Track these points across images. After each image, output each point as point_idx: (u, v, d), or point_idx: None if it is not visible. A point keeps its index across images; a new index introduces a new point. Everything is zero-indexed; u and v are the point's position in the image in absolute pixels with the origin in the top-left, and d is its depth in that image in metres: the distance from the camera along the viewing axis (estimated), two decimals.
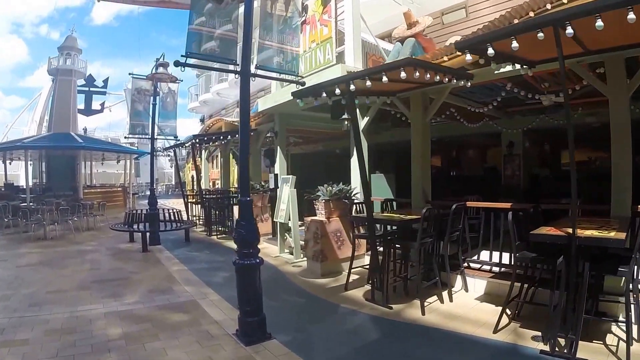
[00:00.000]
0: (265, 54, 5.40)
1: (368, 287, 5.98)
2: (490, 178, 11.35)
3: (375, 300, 5.52)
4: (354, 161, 8.20)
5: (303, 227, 8.18)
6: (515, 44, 3.53)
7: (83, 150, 18.79)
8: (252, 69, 4.98)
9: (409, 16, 7.93)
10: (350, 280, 6.35)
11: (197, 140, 11.00)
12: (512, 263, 4.90)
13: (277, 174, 10.17)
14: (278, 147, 10.51)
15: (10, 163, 22.83)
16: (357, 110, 8.12)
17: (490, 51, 3.79)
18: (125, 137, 11.85)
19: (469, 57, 4.18)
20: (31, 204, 13.83)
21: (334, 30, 8.10)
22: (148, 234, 9.49)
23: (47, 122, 23.78)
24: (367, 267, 6.42)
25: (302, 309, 5.46)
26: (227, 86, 19.34)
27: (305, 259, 7.98)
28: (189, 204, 13.66)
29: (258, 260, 4.25)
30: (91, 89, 23.44)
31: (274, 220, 8.77)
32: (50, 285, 6.47)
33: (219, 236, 11.13)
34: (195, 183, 27.81)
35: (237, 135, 11.56)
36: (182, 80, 10.87)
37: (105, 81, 24.33)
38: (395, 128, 11.37)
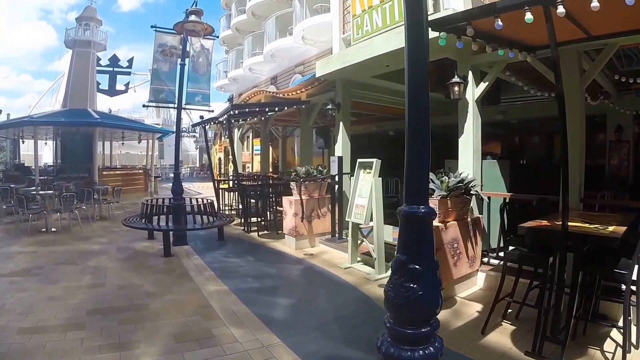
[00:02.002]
0: None
1: (507, 325, 4.11)
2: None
3: (543, 355, 3.32)
4: (466, 141, 5.84)
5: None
6: None
7: (99, 127, 16.66)
8: None
9: None
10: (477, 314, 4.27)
11: (237, 112, 8.60)
12: None
13: (340, 157, 7.77)
14: (340, 123, 8.11)
15: (22, 142, 21.09)
16: (470, 73, 5.84)
17: None
18: (144, 106, 9.50)
19: None
20: (39, 187, 11.72)
21: None
22: (171, 232, 7.22)
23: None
24: (508, 297, 4.19)
25: None
26: (262, 60, 16.91)
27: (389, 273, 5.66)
28: (220, 190, 11.31)
29: (438, 345, 1.80)
30: (115, 69, 21.50)
31: (347, 219, 6.36)
32: (30, 314, 4.27)
33: (260, 233, 8.80)
34: (222, 166, 25.96)
35: (285, 108, 9.16)
36: (217, 37, 8.57)
37: (130, 61, 22.33)
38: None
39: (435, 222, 4.77)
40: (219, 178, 12.62)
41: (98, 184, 14.67)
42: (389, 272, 5.60)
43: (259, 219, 9.13)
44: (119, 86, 22.35)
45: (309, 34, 14.33)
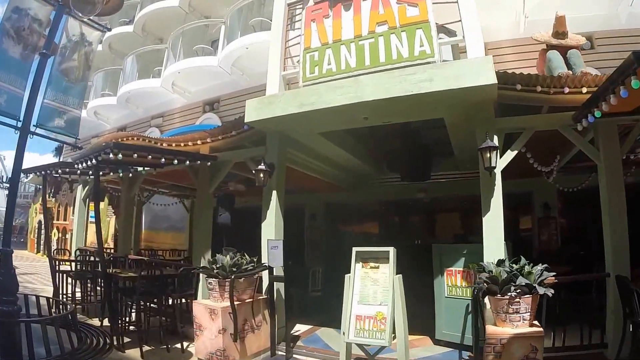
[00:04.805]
0: None
1: None
2: None
3: None
4: (494, 220, 4.74)
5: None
6: None
7: None
8: None
9: (562, 23, 6.10)
10: None
11: (118, 157, 5.29)
12: None
13: (281, 241, 5.47)
14: (274, 193, 6.05)
15: None
16: (495, 137, 4.86)
17: None
18: None
19: None
20: None
21: (430, 12, 5.05)
22: None
23: None
24: None
25: None
26: (114, 103, 13.44)
27: None
28: (59, 273, 7.41)
29: None
30: None
31: (346, 340, 4.08)
32: None
33: (144, 349, 5.58)
34: (41, 232, 19.92)
35: (187, 162, 6.47)
36: (109, 29, 5.57)
37: None
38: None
39: (524, 329, 3.65)
40: (59, 257, 8.39)
41: None
42: None
43: (131, 324, 5.98)
44: None
45: (181, 80, 11.87)
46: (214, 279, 4.99)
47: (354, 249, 4.43)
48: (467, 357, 5.07)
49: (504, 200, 5.07)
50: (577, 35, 6.16)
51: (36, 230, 21.00)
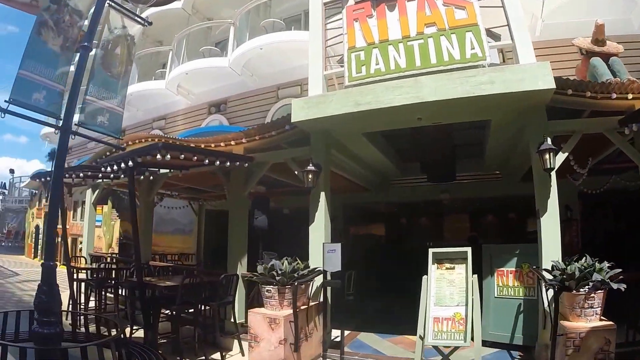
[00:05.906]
0: None
1: None
2: None
3: None
4: (551, 220, 4.79)
5: None
6: None
7: None
8: None
9: (601, 31, 6.34)
10: None
11: (166, 157, 5.02)
12: None
13: (338, 246, 5.37)
14: (322, 195, 5.92)
15: None
16: (549, 141, 4.84)
17: None
18: (6, 102, 4.56)
19: None
20: None
21: (479, 15, 5.08)
22: None
23: None
24: None
25: None
26: None
27: None
28: (76, 281, 7.09)
29: None
30: None
31: (425, 343, 4.06)
32: None
33: None
34: (40, 237, 19.22)
35: (228, 163, 6.23)
36: (150, 23, 5.25)
37: None
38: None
39: (596, 322, 3.90)
40: (77, 264, 7.93)
41: None
42: None
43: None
44: None
45: (187, 82, 11.65)
46: (272, 287, 4.87)
47: (430, 250, 4.43)
48: (518, 357, 5.08)
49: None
50: (614, 42, 6.34)
51: (33, 235, 20.39)
